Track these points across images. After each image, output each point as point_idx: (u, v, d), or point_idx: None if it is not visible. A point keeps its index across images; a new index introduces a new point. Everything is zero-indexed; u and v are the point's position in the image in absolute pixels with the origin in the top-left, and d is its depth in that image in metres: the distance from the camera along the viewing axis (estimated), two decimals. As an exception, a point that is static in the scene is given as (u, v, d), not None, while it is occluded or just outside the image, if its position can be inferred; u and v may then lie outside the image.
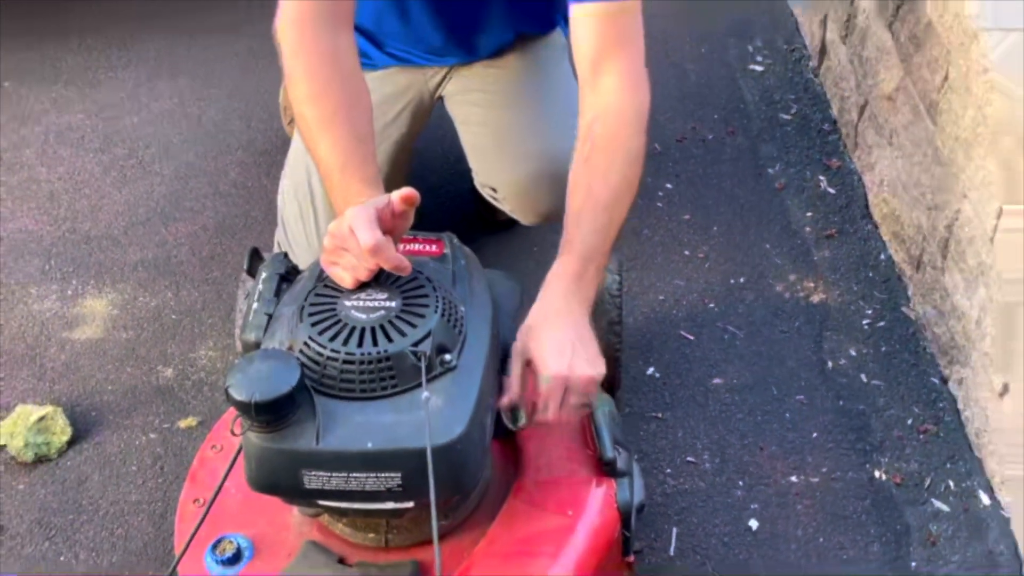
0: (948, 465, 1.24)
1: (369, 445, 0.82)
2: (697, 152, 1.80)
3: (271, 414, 0.81)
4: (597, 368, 0.94)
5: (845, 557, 1.17)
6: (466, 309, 0.91)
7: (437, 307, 0.87)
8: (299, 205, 1.40)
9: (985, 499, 1.19)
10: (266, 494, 0.91)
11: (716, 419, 1.35)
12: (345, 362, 0.83)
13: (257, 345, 0.95)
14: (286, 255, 1.08)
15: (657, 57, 1.39)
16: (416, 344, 0.84)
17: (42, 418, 1.31)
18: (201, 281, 1.63)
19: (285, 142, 1.81)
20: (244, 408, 0.81)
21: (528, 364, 0.94)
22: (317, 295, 0.91)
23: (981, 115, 1.12)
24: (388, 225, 0.87)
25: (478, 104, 1.44)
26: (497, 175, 1.37)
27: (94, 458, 1.34)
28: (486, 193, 1.41)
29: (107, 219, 1.75)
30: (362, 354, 0.83)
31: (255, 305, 1.01)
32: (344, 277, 0.89)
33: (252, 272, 1.16)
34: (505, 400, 0.94)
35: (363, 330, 0.85)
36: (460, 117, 1.47)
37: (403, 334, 0.84)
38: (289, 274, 1.06)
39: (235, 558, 0.96)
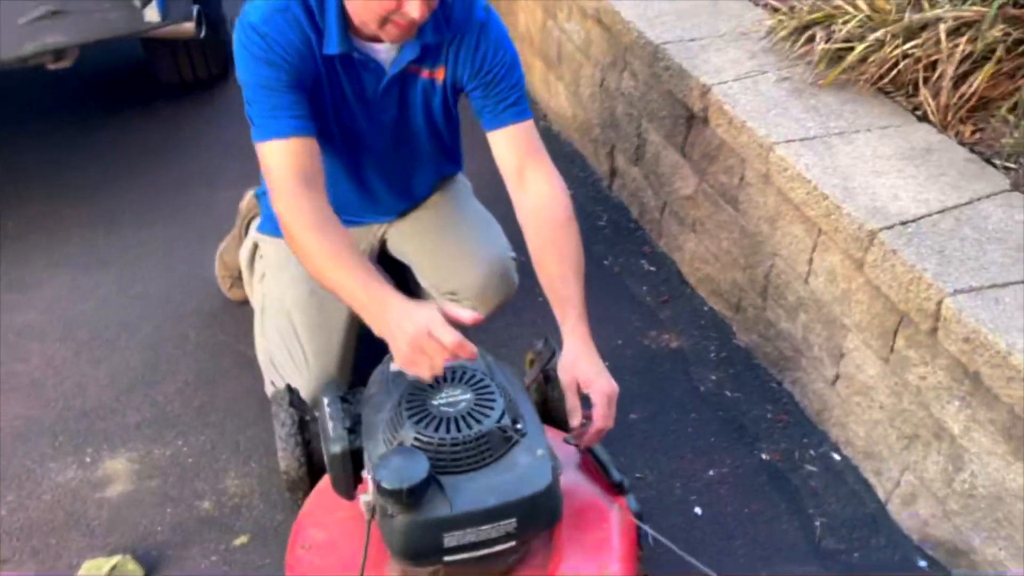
0: (805, 440, 1.75)
1: (491, 502, 1.09)
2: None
3: (417, 495, 1.06)
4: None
5: (765, 516, 1.61)
6: (510, 389, 1.21)
7: (500, 392, 1.17)
8: (287, 348, 1.67)
9: (837, 457, 1.71)
10: (411, 560, 1.13)
11: (643, 443, 1.74)
12: (453, 445, 1.11)
13: (345, 455, 1.20)
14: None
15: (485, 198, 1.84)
16: (499, 421, 1.13)
17: (114, 567, 1.40)
18: (203, 426, 1.79)
19: (227, 302, 2.13)
20: (396, 495, 1.05)
21: (578, 391, 1.27)
22: (408, 401, 1.18)
23: (784, 199, 1.70)
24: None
25: (421, 234, 1.77)
26: (456, 281, 1.68)
27: (175, 588, 1.45)
28: (444, 297, 1.70)
29: (96, 393, 1.88)
30: (464, 437, 1.11)
31: (330, 424, 1.25)
32: (424, 373, 1.15)
33: (294, 404, 1.41)
34: (576, 422, 1.24)
35: (458, 419, 1.14)
36: (410, 249, 1.78)
37: (487, 416, 1.13)
38: (345, 397, 1.31)
39: None
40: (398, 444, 1.14)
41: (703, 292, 2.12)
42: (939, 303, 1.30)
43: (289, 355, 1.71)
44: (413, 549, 1.13)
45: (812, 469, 1.70)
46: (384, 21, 1.35)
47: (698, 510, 1.62)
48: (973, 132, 1.68)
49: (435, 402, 1.18)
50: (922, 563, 1.51)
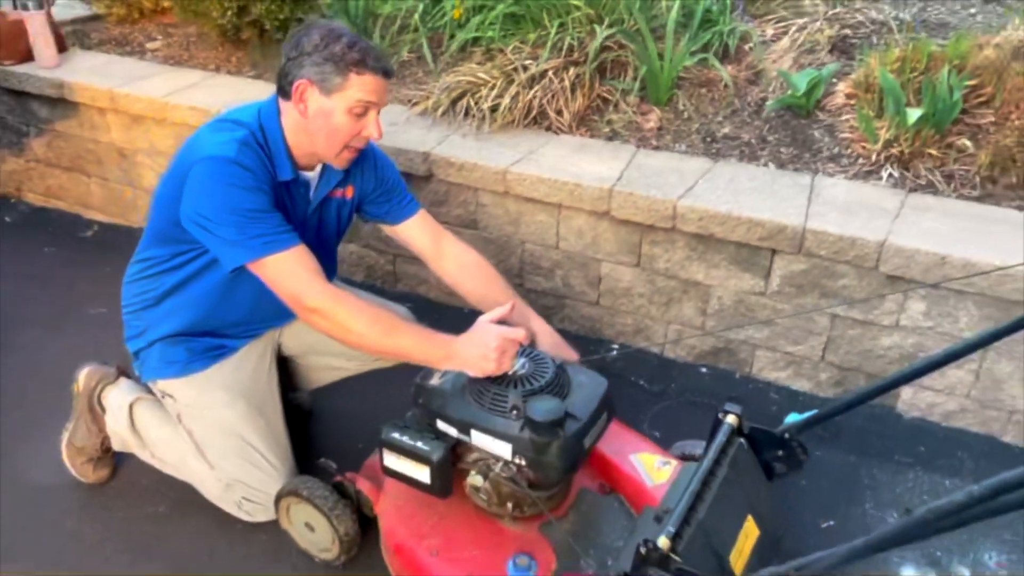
0: (591, 348, 2.56)
1: (594, 405, 1.62)
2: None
3: (563, 420, 1.54)
4: None
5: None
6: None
7: (539, 352, 1.71)
8: (249, 463, 1.89)
9: (614, 347, 2.55)
10: (568, 471, 1.60)
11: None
12: (548, 387, 1.60)
13: (447, 457, 1.62)
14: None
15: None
16: (557, 365, 1.67)
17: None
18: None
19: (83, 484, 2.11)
20: (555, 424, 1.51)
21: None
22: (496, 384, 1.61)
23: (526, 200, 2.46)
24: None
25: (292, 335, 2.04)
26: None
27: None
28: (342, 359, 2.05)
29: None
30: (548, 379, 1.61)
31: (419, 442, 1.62)
32: (507, 367, 1.61)
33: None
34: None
35: (532, 375, 1.62)
36: (308, 339, 2.01)
37: (548, 365, 1.65)
38: (405, 425, 1.68)
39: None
40: (514, 409, 1.58)
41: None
42: (675, 206, 2.23)
43: (254, 468, 1.87)
44: (570, 461, 1.59)
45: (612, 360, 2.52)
46: (343, 148, 1.70)
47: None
48: (587, 130, 2.69)
49: (512, 373, 1.65)
50: (703, 369, 2.46)
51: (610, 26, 2.69)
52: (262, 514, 1.93)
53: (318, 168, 1.82)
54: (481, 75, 2.71)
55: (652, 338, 2.52)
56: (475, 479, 1.68)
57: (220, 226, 1.61)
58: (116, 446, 2.08)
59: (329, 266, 2.00)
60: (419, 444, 1.64)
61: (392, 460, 1.69)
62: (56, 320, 2.77)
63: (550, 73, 2.65)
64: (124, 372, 2.11)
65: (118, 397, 2.04)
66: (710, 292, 2.36)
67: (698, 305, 2.39)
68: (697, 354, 2.48)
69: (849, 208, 2.18)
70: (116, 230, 3.39)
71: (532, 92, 2.65)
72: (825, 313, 2.22)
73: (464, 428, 1.63)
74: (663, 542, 1.42)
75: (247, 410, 1.89)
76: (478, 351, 1.60)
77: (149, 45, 3.53)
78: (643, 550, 1.43)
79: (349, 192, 1.91)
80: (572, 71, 2.66)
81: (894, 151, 2.34)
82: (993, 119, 2.35)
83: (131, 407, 2.01)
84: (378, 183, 1.93)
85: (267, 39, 3.29)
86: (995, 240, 2.03)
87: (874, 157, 2.36)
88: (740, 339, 2.39)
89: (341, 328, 1.63)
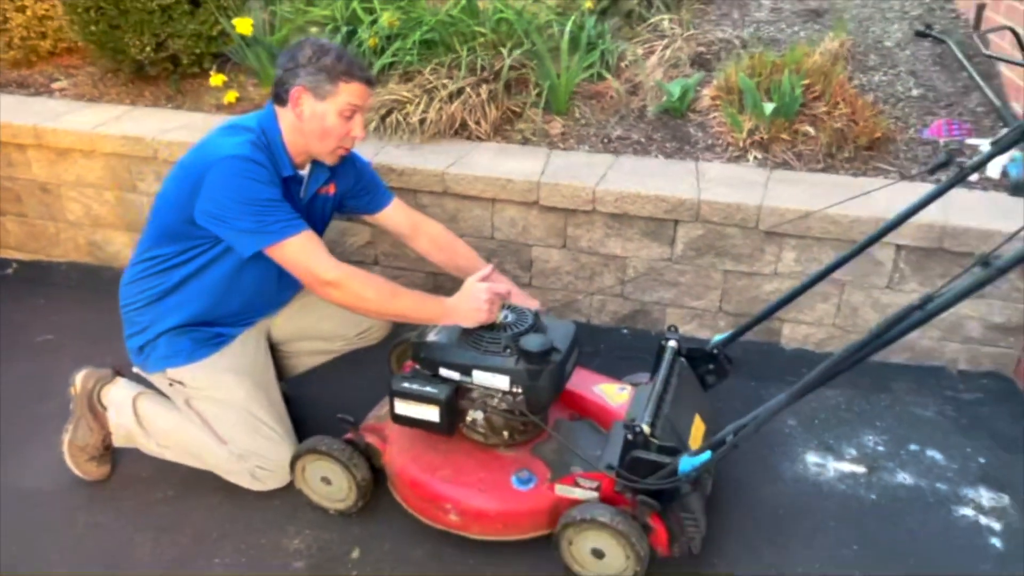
0: (534, 321, 2.93)
1: (569, 340, 2.02)
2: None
3: (552, 350, 1.93)
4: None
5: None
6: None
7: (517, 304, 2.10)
8: (259, 435, 2.13)
9: (553, 317, 2.95)
10: (555, 397, 1.97)
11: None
12: (532, 327, 2.00)
13: (452, 397, 1.96)
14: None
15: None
16: (534, 312, 2.07)
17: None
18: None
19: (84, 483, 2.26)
20: (546, 353, 1.89)
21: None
22: (488, 331, 1.98)
23: (463, 198, 2.82)
24: None
25: (308, 307, 2.28)
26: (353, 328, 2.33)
27: None
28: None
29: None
30: (532, 321, 2.00)
31: (428, 387, 1.96)
32: (494, 316, 1.98)
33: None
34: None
35: (517, 320, 2.02)
36: (300, 324, 2.27)
37: (528, 311, 2.06)
38: (412, 375, 2.02)
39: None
40: (506, 349, 1.94)
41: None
42: (594, 191, 2.67)
43: (263, 439, 2.13)
44: (558, 384, 1.96)
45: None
46: (337, 146, 2.00)
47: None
48: (503, 138, 3.09)
49: (499, 322, 2.01)
50: (624, 331, 2.90)
51: (512, 49, 3.13)
52: (273, 480, 2.15)
53: (308, 167, 2.10)
54: (405, 93, 3.06)
55: (580, 310, 2.93)
56: (476, 414, 2.02)
57: (240, 217, 1.87)
58: (118, 442, 2.23)
59: None
60: (428, 388, 1.96)
61: (403, 406, 1.99)
62: (5, 351, 2.83)
63: (467, 89, 3.05)
64: (120, 372, 2.27)
65: (119, 394, 2.21)
66: (626, 263, 2.81)
67: (617, 275, 2.84)
68: (619, 318, 2.92)
69: (729, 183, 2.71)
70: (37, 266, 3.43)
71: (453, 106, 3.02)
72: (719, 269, 2.73)
73: (466, 370, 1.96)
74: (645, 428, 1.82)
75: (253, 388, 2.12)
76: (471, 304, 1.94)
77: (55, 85, 3.61)
78: (629, 436, 1.83)
79: (332, 189, 2.20)
80: (485, 88, 3.07)
81: (756, 138, 2.91)
82: (825, 109, 2.97)
83: (134, 401, 2.18)
84: (358, 179, 2.24)
85: (181, 72, 3.48)
86: (839, 198, 2.61)
87: (741, 144, 2.92)
88: (653, 300, 2.85)
89: (355, 296, 1.92)
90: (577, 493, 1.93)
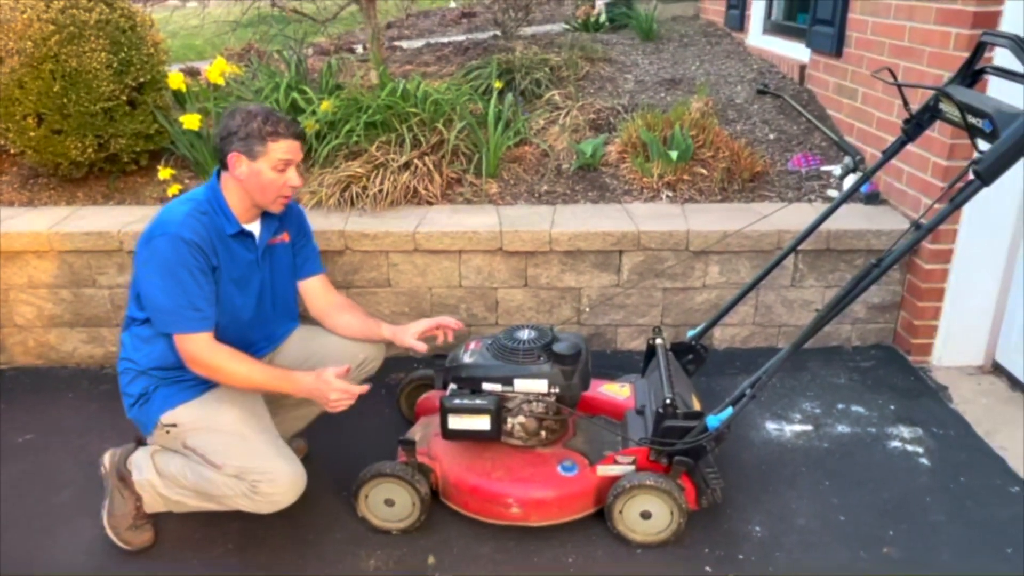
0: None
1: (583, 346, 2.42)
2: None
3: (583, 352, 2.33)
4: None
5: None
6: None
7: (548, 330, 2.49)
8: (256, 458, 2.11)
9: (520, 351, 3.32)
10: (583, 391, 2.34)
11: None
12: (555, 338, 2.42)
13: (500, 406, 2.30)
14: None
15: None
16: (552, 328, 2.49)
17: None
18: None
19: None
20: (577, 354, 2.31)
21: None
22: (522, 342, 2.38)
23: (416, 253, 3.16)
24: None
25: (295, 348, 2.48)
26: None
27: None
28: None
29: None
30: (554, 334, 2.38)
31: (478, 400, 2.28)
32: (343, 406, 2.18)
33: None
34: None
35: (537, 336, 2.40)
36: (309, 350, 2.46)
37: (548, 329, 2.43)
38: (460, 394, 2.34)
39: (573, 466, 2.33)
40: (539, 357, 2.31)
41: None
42: (550, 233, 3.10)
43: (256, 455, 2.13)
44: (586, 381, 2.35)
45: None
46: (277, 197, 2.21)
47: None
48: (448, 200, 3.47)
49: (523, 338, 2.36)
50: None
51: (444, 125, 3.55)
52: (274, 492, 2.10)
53: (258, 221, 2.28)
54: (358, 169, 3.38)
55: (540, 341, 3.31)
56: (514, 420, 2.34)
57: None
58: (148, 505, 2.28)
59: (291, 300, 2.42)
60: (477, 401, 2.27)
61: (456, 421, 2.28)
62: (-8, 452, 2.78)
63: (415, 161, 3.42)
64: (141, 441, 2.36)
65: (140, 455, 2.28)
66: (581, 292, 3.25)
67: (573, 305, 3.27)
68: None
69: (655, 216, 3.25)
70: (-19, 375, 3.34)
71: (404, 177, 3.38)
72: (659, 288, 3.23)
73: (507, 381, 2.29)
74: (670, 399, 2.23)
75: (241, 413, 2.19)
76: (320, 396, 2.13)
77: (-23, 194, 3.58)
78: (660, 410, 2.23)
79: (286, 237, 2.38)
80: (429, 159, 3.46)
81: (665, 180, 3.49)
82: (711, 153, 3.63)
83: (152, 455, 2.25)
84: (299, 230, 2.43)
85: (119, 170, 3.59)
86: (740, 220, 3.22)
87: (654, 186, 3.49)
88: (605, 323, 3.30)
89: (223, 374, 2.11)
90: (616, 470, 2.29)
